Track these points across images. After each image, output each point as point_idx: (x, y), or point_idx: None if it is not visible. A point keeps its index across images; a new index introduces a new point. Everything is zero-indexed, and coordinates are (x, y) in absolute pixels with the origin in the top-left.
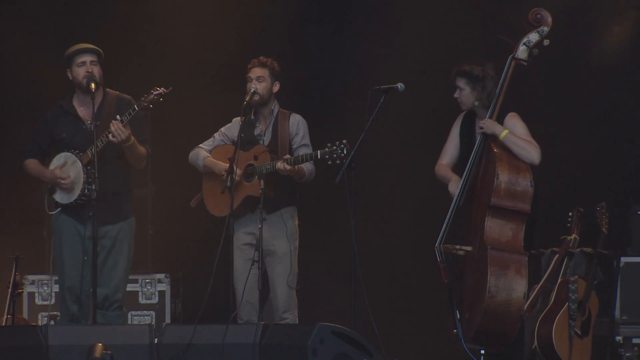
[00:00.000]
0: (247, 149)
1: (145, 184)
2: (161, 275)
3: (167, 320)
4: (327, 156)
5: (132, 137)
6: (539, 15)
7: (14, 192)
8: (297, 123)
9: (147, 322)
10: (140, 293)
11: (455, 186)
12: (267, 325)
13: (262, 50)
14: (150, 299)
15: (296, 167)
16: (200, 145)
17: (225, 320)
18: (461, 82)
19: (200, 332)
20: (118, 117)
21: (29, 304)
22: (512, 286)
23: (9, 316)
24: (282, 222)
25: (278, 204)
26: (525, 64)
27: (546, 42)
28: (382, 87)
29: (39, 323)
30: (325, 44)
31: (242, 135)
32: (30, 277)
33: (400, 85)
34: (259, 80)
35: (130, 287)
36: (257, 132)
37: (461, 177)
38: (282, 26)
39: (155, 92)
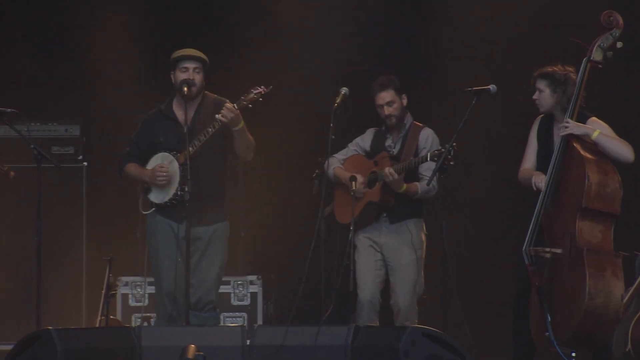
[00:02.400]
0: (374, 156)
1: (237, 186)
2: (253, 277)
3: (259, 321)
4: (435, 158)
5: (242, 122)
6: (611, 18)
7: (108, 194)
8: (427, 137)
9: (239, 324)
10: (232, 294)
11: (541, 179)
12: (359, 327)
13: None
14: (242, 300)
15: (405, 186)
16: (335, 154)
17: (316, 322)
18: (542, 84)
19: (292, 333)
20: (217, 116)
21: (122, 306)
22: (610, 288)
23: (102, 317)
24: (407, 231)
25: (403, 214)
26: (601, 66)
27: (619, 45)
28: (474, 88)
29: (133, 324)
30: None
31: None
32: (124, 279)
33: (492, 87)
34: (389, 105)
35: (222, 289)
36: (387, 142)
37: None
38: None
39: (255, 91)
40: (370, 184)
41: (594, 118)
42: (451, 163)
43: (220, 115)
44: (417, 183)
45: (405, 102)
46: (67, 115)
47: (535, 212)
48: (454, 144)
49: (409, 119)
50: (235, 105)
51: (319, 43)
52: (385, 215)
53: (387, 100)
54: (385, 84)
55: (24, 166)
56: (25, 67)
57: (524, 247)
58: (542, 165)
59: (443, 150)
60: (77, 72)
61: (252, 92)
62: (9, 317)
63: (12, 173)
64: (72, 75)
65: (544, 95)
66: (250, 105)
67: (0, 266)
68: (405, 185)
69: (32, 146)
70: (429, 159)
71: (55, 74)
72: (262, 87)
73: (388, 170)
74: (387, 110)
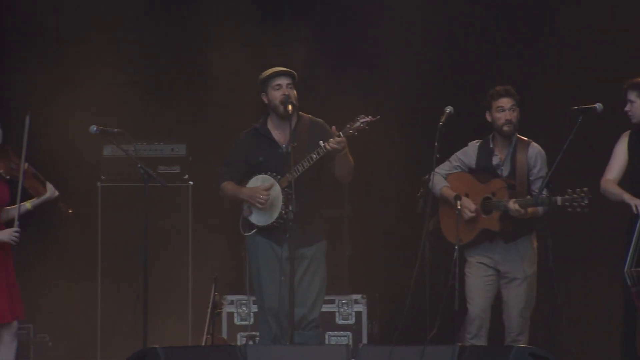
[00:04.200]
0: (486, 179)
1: (342, 205)
2: (358, 296)
3: (364, 340)
4: (567, 203)
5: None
6: None
7: (214, 213)
8: (535, 155)
9: (344, 343)
10: (337, 313)
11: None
12: (464, 346)
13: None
14: (347, 319)
15: (530, 210)
16: (437, 170)
17: (421, 341)
18: (632, 95)
19: (397, 353)
20: (321, 142)
21: (228, 324)
22: None
23: (208, 336)
24: (521, 247)
25: (517, 233)
26: None
27: None
28: (580, 107)
29: (238, 343)
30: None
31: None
32: (229, 297)
33: (598, 106)
34: (512, 110)
35: (327, 308)
36: (495, 161)
37: (632, 193)
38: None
39: (362, 120)
40: (485, 210)
41: None
42: (585, 210)
43: (328, 145)
44: (538, 208)
45: (519, 116)
46: (173, 135)
47: (635, 233)
48: (585, 189)
49: (514, 135)
50: (341, 133)
51: (422, 60)
52: (500, 236)
53: (510, 104)
54: (509, 90)
55: (130, 185)
56: (132, 87)
57: (625, 269)
58: (636, 178)
59: (575, 195)
60: (183, 92)
61: (358, 120)
62: (116, 335)
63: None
64: (178, 95)
65: (636, 106)
66: (355, 133)
67: (107, 284)
68: (530, 211)
69: (138, 165)
70: (559, 203)
71: (161, 94)
72: (369, 116)
73: (514, 207)
74: (509, 115)
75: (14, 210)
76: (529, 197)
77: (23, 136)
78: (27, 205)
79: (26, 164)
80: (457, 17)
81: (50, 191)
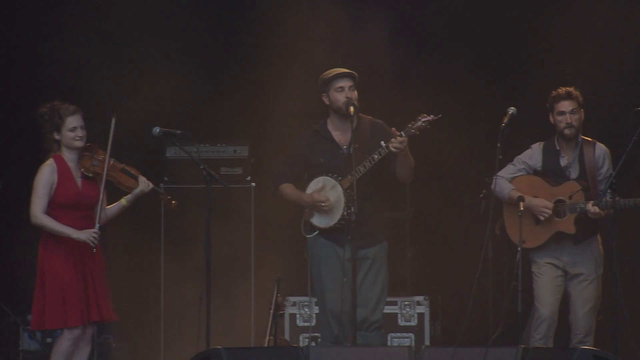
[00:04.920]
0: (556, 182)
1: (404, 206)
2: (420, 298)
3: (426, 342)
4: (631, 204)
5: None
6: None
7: (276, 214)
8: (602, 155)
9: (406, 344)
10: (399, 315)
11: None
12: (527, 348)
13: None
14: (410, 321)
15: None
16: (501, 173)
17: (484, 343)
18: None
19: (460, 354)
20: (382, 143)
21: (290, 326)
22: None
23: (271, 337)
24: (590, 248)
25: (586, 234)
26: None
27: None
28: None
29: (300, 344)
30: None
31: (545, 163)
32: (292, 299)
33: None
34: (573, 113)
35: (389, 309)
36: (563, 163)
37: None
38: None
39: (423, 119)
40: (558, 213)
41: None
42: None
43: (390, 146)
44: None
45: (582, 117)
46: (236, 136)
47: None
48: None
49: (580, 135)
50: (402, 133)
51: (485, 59)
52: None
53: (571, 108)
54: (570, 93)
55: (193, 187)
56: (195, 89)
57: None
58: None
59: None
60: (245, 94)
61: (419, 120)
62: (179, 336)
63: (174, 202)
64: (240, 97)
65: None
66: (417, 133)
67: (170, 286)
68: (604, 212)
69: (201, 167)
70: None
71: (224, 95)
72: (431, 115)
73: (594, 210)
74: (570, 118)
75: (113, 209)
76: (610, 198)
77: (108, 136)
78: (123, 202)
79: (112, 160)
80: (525, 17)
81: (143, 184)
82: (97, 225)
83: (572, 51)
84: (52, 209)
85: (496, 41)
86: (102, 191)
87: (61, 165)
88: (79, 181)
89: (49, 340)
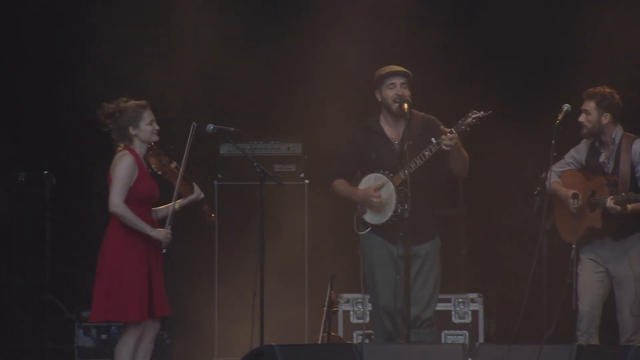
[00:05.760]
0: (591, 177)
1: (457, 203)
2: (474, 295)
3: (480, 339)
4: None
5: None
6: None
7: (329, 211)
8: (638, 150)
9: (460, 342)
10: (453, 312)
11: None
12: (582, 345)
13: None
14: (463, 318)
15: (630, 206)
16: (553, 167)
17: (539, 340)
18: None
19: (514, 352)
20: (433, 139)
21: (343, 323)
22: None
23: (324, 334)
24: (632, 245)
25: (626, 230)
26: None
27: None
28: None
29: (354, 341)
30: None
31: (585, 160)
32: (345, 296)
33: None
34: (586, 113)
35: (443, 307)
36: (601, 159)
37: None
38: None
39: (473, 116)
40: (590, 207)
41: None
42: None
43: (441, 143)
44: None
45: (605, 120)
46: (289, 133)
47: None
48: None
49: (618, 132)
50: (453, 129)
51: (540, 55)
52: (608, 234)
53: (585, 108)
54: (590, 94)
55: (246, 184)
56: (248, 86)
57: None
58: None
59: None
60: (299, 92)
61: (470, 116)
62: (232, 332)
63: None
64: (294, 94)
65: None
66: (468, 129)
67: (224, 283)
68: (630, 207)
69: (255, 164)
70: None
71: (277, 92)
72: (482, 111)
73: (610, 205)
74: (581, 118)
75: (162, 211)
76: (623, 194)
77: (187, 141)
78: (175, 206)
79: (175, 163)
80: (577, 14)
81: (197, 192)
82: (169, 227)
83: (628, 48)
84: (127, 200)
85: (552, 38)
86: (175, 192)
87: (138, 159)
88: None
89: (103, 336)
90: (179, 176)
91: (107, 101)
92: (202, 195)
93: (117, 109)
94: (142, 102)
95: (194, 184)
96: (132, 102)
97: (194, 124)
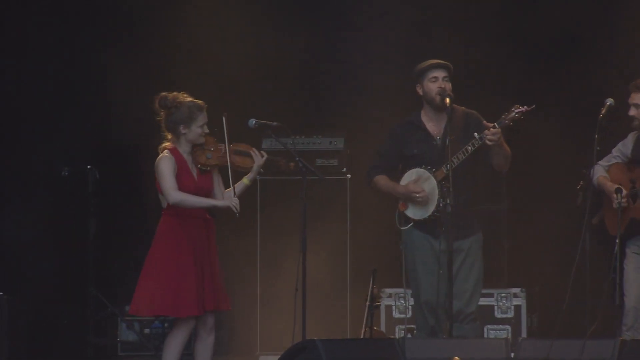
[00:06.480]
0: (634, 168)
1: (500, 198)
2: (517, 290)
3: (523, 334)
4: None
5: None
6: None
7: (372, 205)
8: None
9: (503, 337)
10: (496, 307)
11: None
12: (625, 341)
13: None
14: (506, 313)
15: None
16: (600, 161)
17: (582, 335)
18: None
19: (557, 347)
20: (476, 134)
21: (386, 317)
22: None
23: (367, 329)
24: None
25: None
26: None
27: None
28: None
29: (396, 336)
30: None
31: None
32: (387, 291)
33: None
34: (637, 107)
35: (485, 301)
36: None
37: None
38: None
39: (516, 110)
40: (632, 198)
41: None
42: None
43: (485, 138)
44: None
45: None
46: (331, 128)
47: None
48: None
49: None
50: (496, 124)
51: (581, 50)
52: None
53: (635, 102)
54: (638, 86)
55: (289, 178)
56: (291, 81)
57: None
58: None
59: None
60: (341, 86)
61: (513, 111)
62: (275, 327)
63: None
64: (336, 88)
65: None
66: (511, 124)
67: (267, 277)
68: None
69: (297, 158)
70: None
71: (319, 87)
72: (525, 106)
73: None
74: (632, 112)
75: (237, 189)
76: None
77: (223, 135)
78: (245, 181)
79: (223, 147)
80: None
81: (258, 158)
82: (235, 195)
83: None
84: None
85: (595, 32)
86: (231, 180)
87: (178, 157)
88: (194, 173)
89: (146, 331)
90: (228, 158)
91: (147, 95)
92: (265, 156)
93: (174, 103)
94: (200, 102)
95: (252, 150)
96: (190, 101)
97: (224, 117)
